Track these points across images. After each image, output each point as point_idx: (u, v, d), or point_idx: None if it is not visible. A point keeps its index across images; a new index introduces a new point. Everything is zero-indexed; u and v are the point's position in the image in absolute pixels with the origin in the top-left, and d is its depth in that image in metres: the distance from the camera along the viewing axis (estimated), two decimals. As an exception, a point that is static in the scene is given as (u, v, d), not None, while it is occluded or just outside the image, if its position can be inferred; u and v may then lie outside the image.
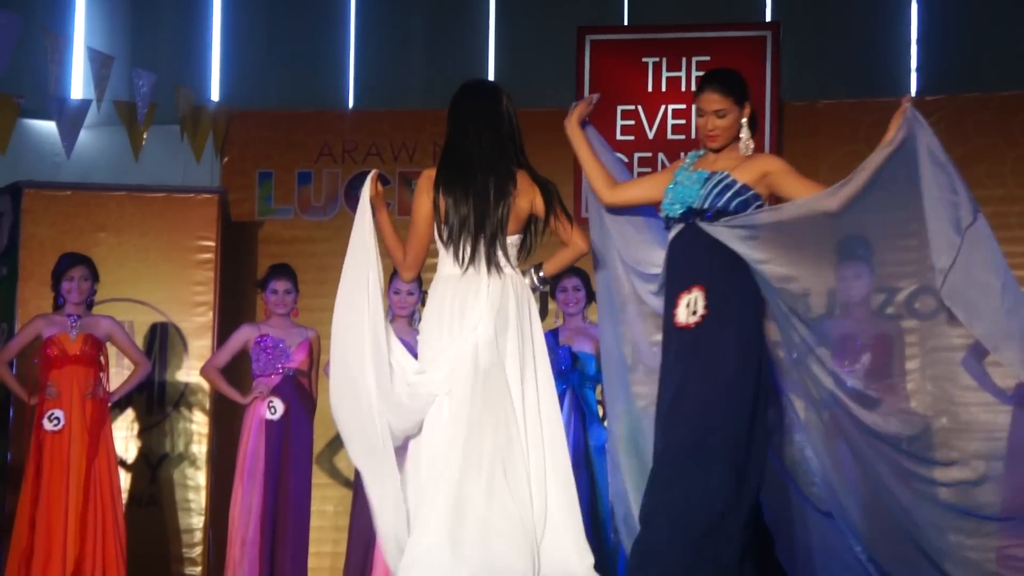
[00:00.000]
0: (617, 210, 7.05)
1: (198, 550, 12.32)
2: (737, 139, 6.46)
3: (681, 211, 6.36)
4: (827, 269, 7.11)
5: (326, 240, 12.99)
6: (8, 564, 10.00)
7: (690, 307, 6.29)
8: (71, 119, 11.87)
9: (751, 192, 6.34)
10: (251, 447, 10.46)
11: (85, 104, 12.28)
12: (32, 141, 13.61)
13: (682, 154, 6.87)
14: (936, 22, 13.94)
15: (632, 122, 12.08)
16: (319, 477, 11.96)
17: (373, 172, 6.86)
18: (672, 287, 6.52)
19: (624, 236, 7.11)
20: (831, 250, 6.93)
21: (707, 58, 12.07)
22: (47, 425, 9.93)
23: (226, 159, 13.77)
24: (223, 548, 11.08)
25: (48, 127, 12.80)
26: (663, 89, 12.27)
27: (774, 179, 6.39)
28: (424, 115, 13.52)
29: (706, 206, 6.29)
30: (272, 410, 10.39)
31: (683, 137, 12.03)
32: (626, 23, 14.09)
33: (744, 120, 6.43)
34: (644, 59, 12.37)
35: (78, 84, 14.06)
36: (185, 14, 15.30)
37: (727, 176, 6.30)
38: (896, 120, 6.31)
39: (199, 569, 12.20)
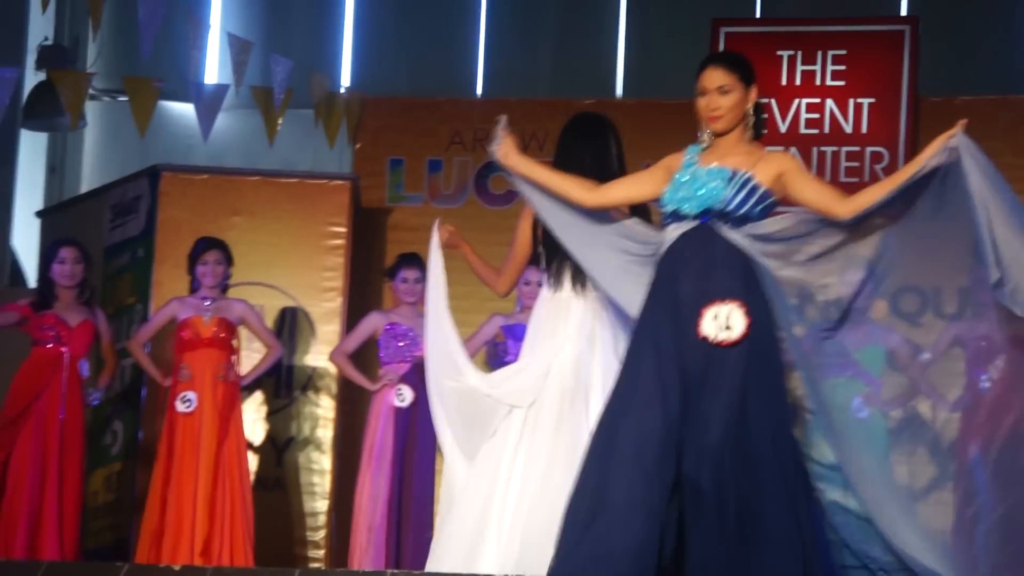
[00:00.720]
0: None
1: (322, 533, 12.45)
2: (742, 126, 6.06)
3: (699, 209, 5.88)
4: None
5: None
6: (139, 542, 10.17)
7: (719, 320, 5.73)
8: (208, 103, 12.10)
9: (772, 198, 5.96)
10: (379, 434, 10.65)
11: (222, 88, 12.56)
12: (167, 123, 13.84)
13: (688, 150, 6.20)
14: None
15: (764, 115, 11.68)
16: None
17: (438, 222, 7.05)
18: (685, 294, 5.89)
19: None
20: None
21: (843, 52, 12.14)
22: (179, 407, 10.13)
23: (358, 145, 13.90)
24: (346, 532, 11.28)
25: (184, 110, 13.14)
26: (797, 83, 12.25)
27: (788, 179, 5.99)
28: (556, 104, 13.29)
29: (730, 208, 5.86)
30: (400, 398, 10.58)
31: (816, 131, 12.08)
32: (758, 15, 14.09)
33: (750, 106, 6.05)
34: (779, 52, 12.32)
35: (213, 68, 14.48)
36: (319, 1, 15.79)
37: (751, 178, 5.89)
38: (938, 144, 5.85)
39: (322, 552, 12.38)
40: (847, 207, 5.87)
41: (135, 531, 10.80)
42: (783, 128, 12.28)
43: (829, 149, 11.99)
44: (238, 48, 12.38)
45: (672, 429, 5.67)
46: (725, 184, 5.80)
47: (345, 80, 15.17)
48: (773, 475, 5.69)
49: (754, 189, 5.82)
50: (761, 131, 6.08)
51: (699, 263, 5.81)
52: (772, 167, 5.91)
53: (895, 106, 11.72)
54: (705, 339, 5.70)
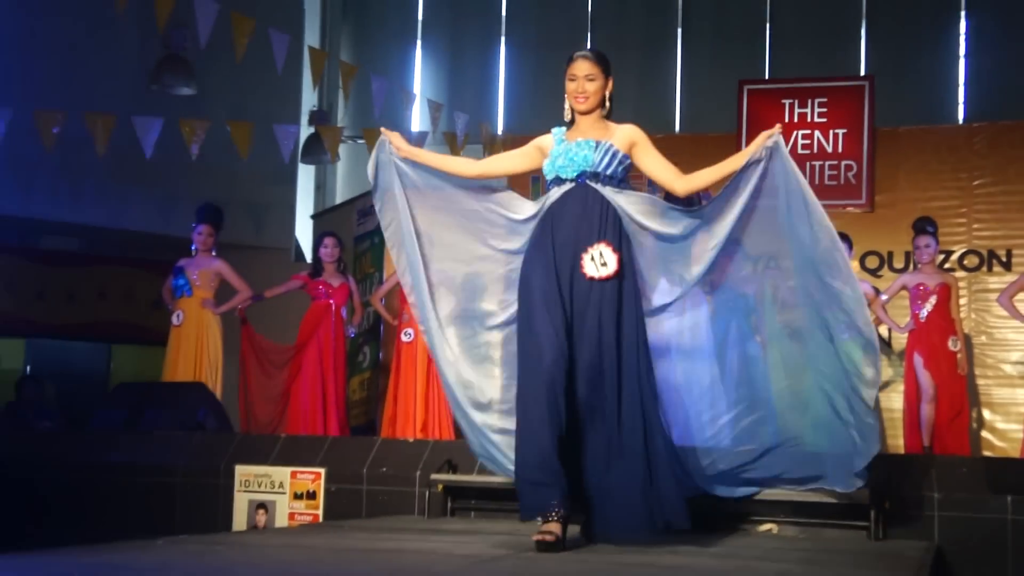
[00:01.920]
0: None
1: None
2: (600, 109, 5.83)
3: (576, 172, 5.70)
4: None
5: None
6: (382, 424, 10.93)
7: (596, 260, 5.59)
8: (414, 144, 12.33)
9: (629, 161, 5.80)
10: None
11: (423, 135, 13.28)
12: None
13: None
14: None
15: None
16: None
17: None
18: (568, 239, 5.68)
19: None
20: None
21: (825, 99, 12.33)
22: (403, 338, 10.71)
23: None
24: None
25: None
26: (795, 120, 12.30)
27: (638, 149, 5.82)
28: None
29: (600, 169, 5.68)
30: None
31: (808, 152, 12.21)
32: (767, 76, 14.47)
33: (608, 92, 5.83)
34: (783, 100, 12.42)
35: (416, 121, 15.43)
36: (483, 69, 16.15)
37: (612, 145, 5.71)
38: (759, 142, 5.79)
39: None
40: (684, 184, 5.80)
41: (379, 416, 11.40)
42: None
43: (817, 163, 12.09)
44: (433, 108, 13.26)
45: (562, 356, 5.49)
46: (592, 151, 5.68)
47: (501, 125, 15.66)
48: (633, 392, 5.61)
49: (615, 153, 5.70)
50: (611, 112, 5.86)
51: (578, 212, 5.66)
52: (626, 138, 5.78)
53: (859, 134, 12.01)
54: (587, 277, 5.58)
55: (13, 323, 12.16)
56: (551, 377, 5.45)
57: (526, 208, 6.08)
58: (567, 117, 5.91)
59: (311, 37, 15.84)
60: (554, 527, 5.22)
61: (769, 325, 6.47)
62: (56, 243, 14.47)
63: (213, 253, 10.69)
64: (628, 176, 5.90)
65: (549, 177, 5.84)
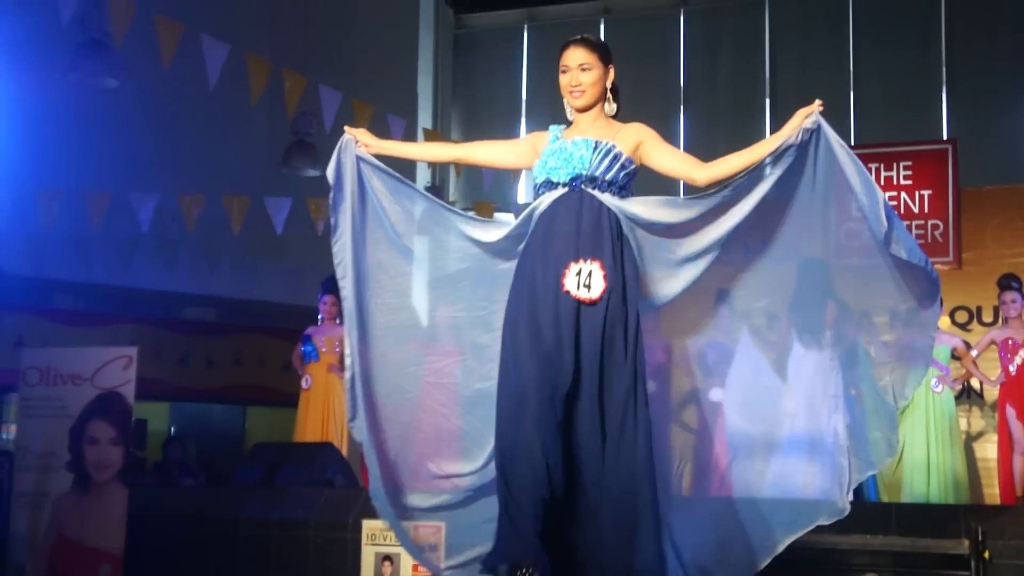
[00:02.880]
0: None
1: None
2: (602, 104, 4.83)
3: (568, 176, 4.64)
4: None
5: None
6: None
7: (581, 277, 4.54)
8: (518, 212, 12.52)
9: (633, 165, 4.75)
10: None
11: (527, 204, 13.12)
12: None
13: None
14: None
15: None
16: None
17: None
18: (554, 251, 4.64)
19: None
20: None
21: (910, 162, 12.16)
22: None
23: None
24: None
25: (507, 218, 13.68)
26: (881, 183, 11.79)
27: (647, 147, 4.77)
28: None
29: (597, 174, 4.64)
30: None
31: (896, 213, 12.15)
32: (852, 143, 13.71)
33: (609, 83, 4.81)
34: (869, 164, 12.31)
35: (522, 193, 15.32)
36: None
37: (614, 147, 4.69)
38: (795, 122, 4.69)
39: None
40: (705, 173, 4.73)
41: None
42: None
43: (904, 223, 11.90)
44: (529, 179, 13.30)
45: (546, 379, 4.53)
46: (591, 152, 4.66)
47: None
48: (628, 425, 4.58)
49: (617, 156, 4.68)
50: (618, 110, 4.88)
51: (570, 223, 4.62)
52: (631, 137, 4.75)
53: (944, 194, 11.82)
54: (568, 293, 4.58)
55: (159, 388, 12.35)
56: (537, 430, 4.48)
57: (500, 228, 4.97)
58: (570, 117, 4.90)
59: (424, 119, 16.07)
60: None
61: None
62: (196, 314, 14.77)
63: (337, 321, 10.68)
64: (631, 185, 4.83)
65: (539, 180, 4.79)
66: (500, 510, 4.56)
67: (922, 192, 12.04)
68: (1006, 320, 10.16)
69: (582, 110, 4.82)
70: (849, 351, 5.24)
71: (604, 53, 4.79)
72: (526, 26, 17.18)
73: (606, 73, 4.79)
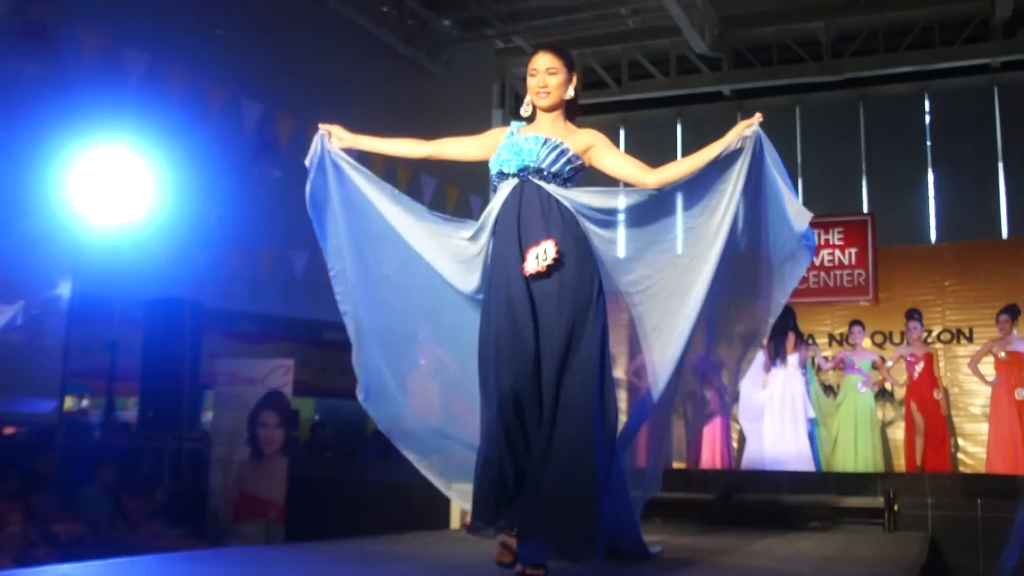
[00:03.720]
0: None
1: None
2: (562, 108, 3.97)
3: (517, 167, 3.85)
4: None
5: None
6: None
7: (539, 257, 3.68)
8: None
9: (580, 161, 3.89)
10: None
11: None
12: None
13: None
14: None
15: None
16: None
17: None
18: (514, 238, 3.79)
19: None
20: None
21: (840, 229, 11.70)
22: None
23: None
24: None
25: None
26: (821, 243, 11.59)
27: (597, 151, 3.91)
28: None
29: (543, 166, 3.82)
30: None
31: (832, 263, 11.78)
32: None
33: (571, 89, 3.96)
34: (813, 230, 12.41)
35: None
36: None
37: (562, 143, 3.87)
38: (737, 131, 3.93)
39: None
40: (654, 177, 3.87)
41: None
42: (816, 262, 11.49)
43: (837, 272, 11.63)
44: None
45: (515, 357, 3.62)
46: (539, 147, 3.86)
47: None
48: (587, 401, 3.56)
49: (564, 152, 3.85)
50: (576, 115, 4.04)
51: (524, 212, 3.82)
52: (583, 140, 3.92)
53: (866, 251, 11.62)
54: (528, 274, 3.70)
55: (308, 388, 12.47)
56: (510, 404, 3.61)
57: (469, 227, 4.07)
58: (525, 112, 4.06)
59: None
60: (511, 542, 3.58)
61: None
62: (332, 335, 14.83)
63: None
64: (576, 179, 3.95)
65: (493, 171, 4.00)
66: (476, 476, 3.72)
67: (850, 250, 11.84)
68: (909, 341, 10.25)
69: (546, 110, 3.98)
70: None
71: (569, 61, 4.01)
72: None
73: (569, 78, 3.98)
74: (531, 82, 3.97)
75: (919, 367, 10.02)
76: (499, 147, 3.97)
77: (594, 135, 3.96)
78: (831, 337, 11.70)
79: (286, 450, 8.85)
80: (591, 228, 3.88)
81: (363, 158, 4.24)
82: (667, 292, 4.02)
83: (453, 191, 10.30)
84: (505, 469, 3.63)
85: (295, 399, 9.71)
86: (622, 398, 4.05)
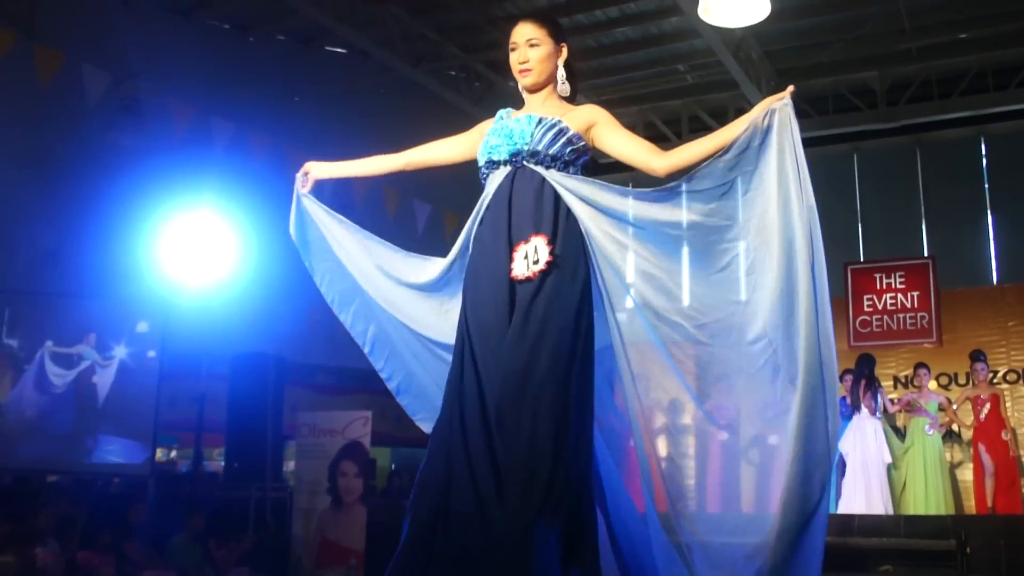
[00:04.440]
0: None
1: None
2: (554, 84, 3.28)
3: (508, 152, 3.15)
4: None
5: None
6: None
7: (529, 258, 3.01)
8: None
9: (583, 142, 3.18)
10: None
11: None
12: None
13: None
14: None
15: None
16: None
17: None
18: (503, 233, 3.11)
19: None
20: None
21: (902, 273, 11.51)
22: None
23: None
24: None
25: None
26: (883, 287, 11.56)
27: (600, 129, 3.19)
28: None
29: (539, 148, 3.11)
30: None
31: (895, 307, 11.61)
32: (862, 259, 13.75)
33: (561, 61, 3.26)
34: (874, 275, 11.82)
35: None
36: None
37: (560, 121, 3.16)
38: (763, 105, 3.02)
39: None
40: (664, 161, 3.09)
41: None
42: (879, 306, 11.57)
43: (900, 315, 11.38)
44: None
45: (488, 370, 2.98)
46: (533, 127, 3.16)
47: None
48: (552, 411, 2.89)
49: (563, 131, 3.15)
50: (575, 91, 3.34)
51: (516, 201, 3.13)
52: (583, 117, 3.21)
53: (928, 294, 11.35)
54: (516, 279, 3.03)
55: (384, 438, 12.44)
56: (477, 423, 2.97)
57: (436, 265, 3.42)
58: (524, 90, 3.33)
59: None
60: None
61: None
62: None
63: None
64: (582, 166, 3.24)
65: (481, 162, 3.27)
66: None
67: (912, 293, 11.60)
68: (975, 382, 10.03)
69: (532, 89, 3.29)
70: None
71: (555, 29, 3.29)
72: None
73: (557, 51, 3.28)
74: (512, 58, 3.28)
75: (986, 408, 9.78)
76: (487, 134, 3.29)
77: (595, 110, 3.26)
78: (896, 380, 11.43)
79: (365, 498, 8.81)
80: (591, 218, 3.09)
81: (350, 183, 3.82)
82: (733, 331, 3.05)
83: (453, 217, 9.77)
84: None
85: (373, 448, 9.67)
86: (689, 443, 3.34)
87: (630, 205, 3.13)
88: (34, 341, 9.19)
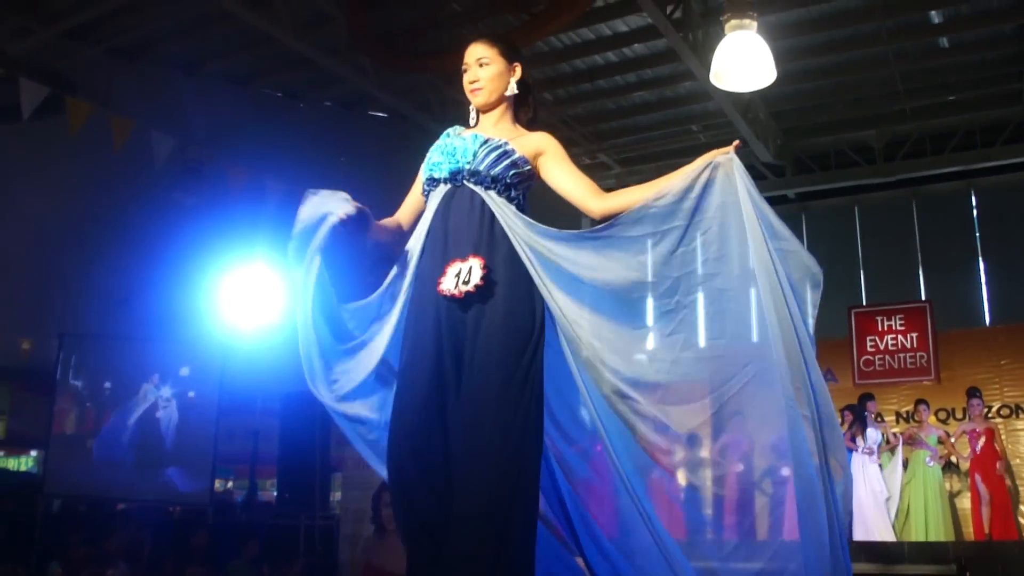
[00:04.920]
0: None
1: None
2: (506, 105, 3.05)
3: (449, 170, 2.93)
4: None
5: None
6: None
7: (460, 276, 2.78)
8: None
9: (529, 167, 2.94)
10: None
11: None
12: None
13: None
14: None
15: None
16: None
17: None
18: (439, 254, 2.88)
19: None
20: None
21: (902, 316, 11.57)
22: None
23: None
24: None
25: None
26: (884, 329, 11.60)
27: (546, 160, 2.96)
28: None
29: (481, 168, 2.88)
30: None
31: (896, 347, 11.57)
32: (864, 304, 13.93)
33: (513, 82, 3.02)
34: (875, 317, 11.88)
35: None
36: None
37: (506, 143, 2.93)
38: (704, 159, 2.85)
39: None
40: (601, 204, 2.90)
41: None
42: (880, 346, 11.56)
43: (901, 355, 11.41)
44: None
45: (432, 393, 2.74)
46: (476, 146, 2.93)
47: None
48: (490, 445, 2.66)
49: (507, 153, 2.91)
50: (531, 114, 3.11)
51: (454, 221, 2.91)
52: (532, 143, 2.97)
53: (926, 335, 11.41)
54: (441, 292, 2.80)
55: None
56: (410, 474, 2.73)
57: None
58: (472, 123, 3.13)
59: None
60: None
61: None
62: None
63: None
64: (524, 192, 2.99)
65: (424, 179, 3.04)
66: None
67: (911, 334, 11.66)
68: (971, 417, 10.17)
69: (483, 109, 3.07)
70: None
71: (507, 49, 3.05)
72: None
73: (510, 70, 3.04)
74: (464, 80, 3.06)
75: (981, 441, 9.87)
76: (430, 151, 3.05)
77: (546, 139, 3.02)
78: (898, 415, 11.49)
79: (407, 525, 8.90)
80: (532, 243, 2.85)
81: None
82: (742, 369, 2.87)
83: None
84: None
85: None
86: (707, 476, 3.14)
87: (555, 247, 2.86)
88: (105, 381, 9.42)
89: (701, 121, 12.11)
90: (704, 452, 3.14)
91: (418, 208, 3.08)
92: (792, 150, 12.81)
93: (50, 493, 9.26)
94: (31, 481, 11.70)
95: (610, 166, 12.86)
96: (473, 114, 3.10)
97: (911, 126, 12.16)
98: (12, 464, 14.61)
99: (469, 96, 3.05)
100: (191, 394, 9.55)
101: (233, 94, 10.18)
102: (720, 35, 7.99)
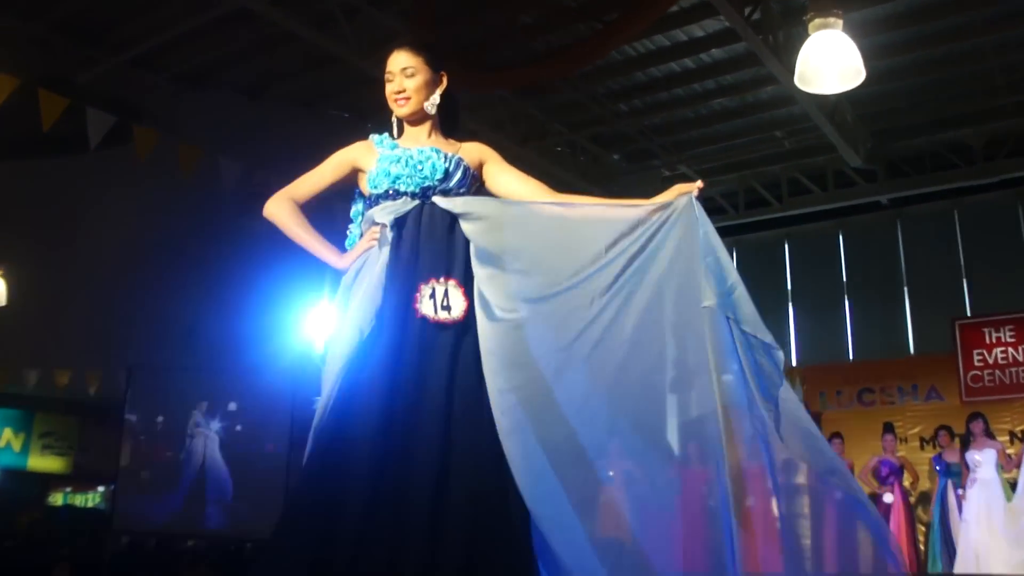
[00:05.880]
0: None
1: None
2: (435, 116, 3.06)
3: (418, 185, 2.90)
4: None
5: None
6: None
7: (437, 299, 2.75)
8: None
9: (480, 181, 3.04)
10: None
11: None
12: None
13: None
14: None
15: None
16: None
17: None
18: (410, 271, 2.82)
19: None
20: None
21: (1012, 326, 11.23)
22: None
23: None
24: None
25: None
26: (992, 341, 11.29)
27: (490, 168, 3.02)
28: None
29: (451, 186, 2.91)
30: None
31: (1005, 360, 11.19)
32: (969, 314, 12.77)
33: (439, 90, 3.03)
34: (983, 329, 11.53)
35: None
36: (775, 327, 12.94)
37: (461, 159, 2.97)
38: (670, 195, 2.87)
39: None
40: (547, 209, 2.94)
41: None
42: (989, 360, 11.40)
43: (1011, 369, 11.02)
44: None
45: (390, 413, 2.65)
46: (442, 162, 2.93)
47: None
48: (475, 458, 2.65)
49: (467, 170, 2.97)
50: (455, 125, 3.14)
51: (424, 241, 2.87)
52: (474, 154, 3.03)
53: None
54: (424, 318, 2.77)
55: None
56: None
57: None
58: (395, 134, 3.08)
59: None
60: None
61: None
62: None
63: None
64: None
65: (379, 189, 2.95)
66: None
67: (1023, 346, 11.24)
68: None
69: (411, 121, 3.06)
70: None
71: (432, 57, 3.05)
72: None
73: (436, 80, 3.05)
74: (388, 89, 3.04)
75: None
76: (382, 160, 2.97)
77: (483, 148, 3.07)
78: (1012, 435, 10.94)
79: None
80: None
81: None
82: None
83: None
84: None
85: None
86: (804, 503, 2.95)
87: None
88: (171, 412, 9.53)
89: (785, 127, 11.82)
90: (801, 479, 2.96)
91: (318, 194, 3.10)
92: (883, 153, 12.39)
93: (118, 529, 9.37)
94: (99, 517, 11.89)
95: (691, 178, 12.58)
96: (396, 125, 3.09)
97: (1013, 122, 11.68)
98: (79, 500, 14.86)
99: (393, 107, 3.04)
100: (262, 425, 9.60)
101: (296, 115, 10.29)
102: (802, 35, 7.76)
